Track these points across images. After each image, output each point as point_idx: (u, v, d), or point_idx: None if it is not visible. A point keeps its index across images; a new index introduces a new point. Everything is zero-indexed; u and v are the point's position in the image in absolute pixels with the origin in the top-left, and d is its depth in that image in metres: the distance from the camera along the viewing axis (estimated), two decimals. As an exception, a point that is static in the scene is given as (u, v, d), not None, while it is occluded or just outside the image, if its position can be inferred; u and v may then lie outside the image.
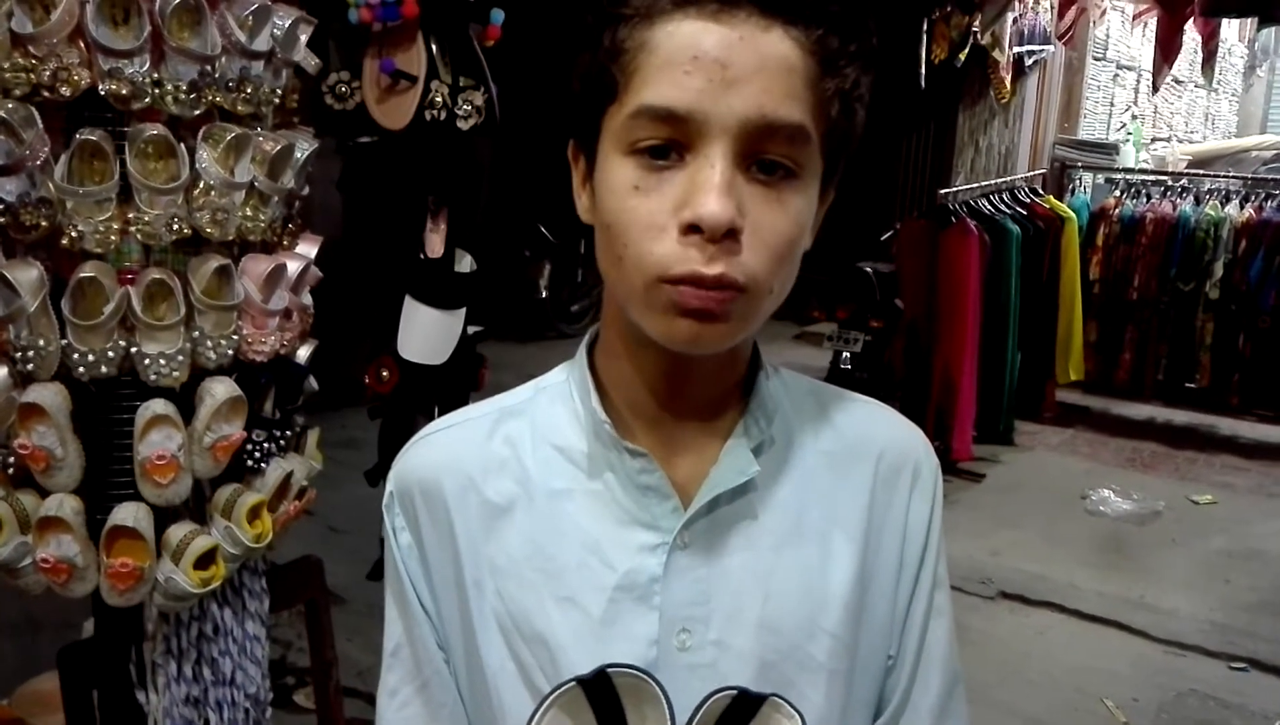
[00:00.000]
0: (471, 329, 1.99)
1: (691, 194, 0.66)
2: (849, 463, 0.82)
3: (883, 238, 4.80)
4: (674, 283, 0.67)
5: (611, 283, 0.74)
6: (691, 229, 0.66)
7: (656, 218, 0.67)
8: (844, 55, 0.69)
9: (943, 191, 4.65)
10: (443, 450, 0.83)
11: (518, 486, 0.80)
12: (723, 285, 0.67)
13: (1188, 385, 5.59)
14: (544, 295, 6.54)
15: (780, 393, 0.83)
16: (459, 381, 1.98)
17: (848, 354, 4.53)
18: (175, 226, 1.35)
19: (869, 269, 4.52)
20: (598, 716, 0.67)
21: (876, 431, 0.85)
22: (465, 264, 1.98)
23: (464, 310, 1.97)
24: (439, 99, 1.89)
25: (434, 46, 1.93)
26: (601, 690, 0.66)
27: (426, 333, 1.92)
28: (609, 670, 0.65)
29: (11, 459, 1.37)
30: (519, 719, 0.75)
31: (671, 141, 0.67)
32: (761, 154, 0.67)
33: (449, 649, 0.83)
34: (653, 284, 0.68)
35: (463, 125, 1.89)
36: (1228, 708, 3.06)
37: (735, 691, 0.70)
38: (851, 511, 0.81)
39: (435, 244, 1.92)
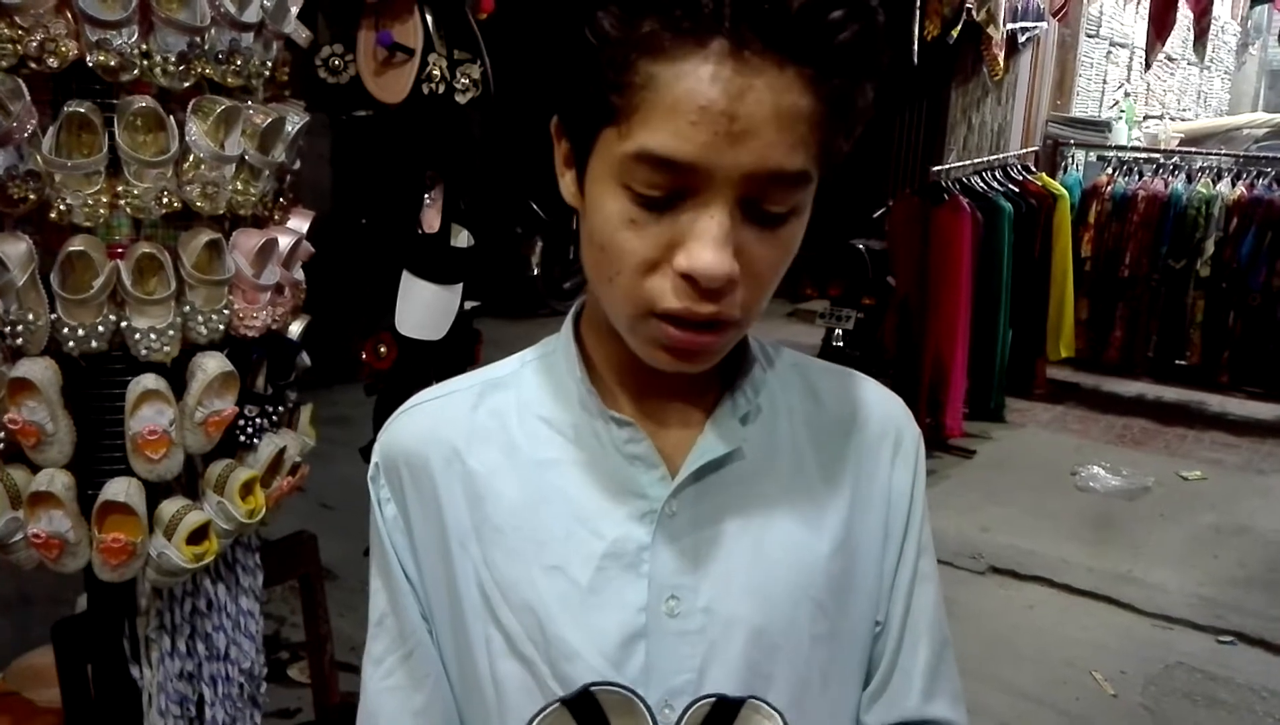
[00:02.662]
0: (468, 304, 1.99)
1: (689, 241, 0.65)
2: (833, 433, 0.83)
3: (875, 215, 4.79)
4: (664, 317, 0.67)
5: (599, 294, 0.74)
6: (687, 276, 0.65)
7: (650, 255, 0.66)
8: (855, 93, 0.66)
9: (935, 169, 4.64)
10: (428, 422, 0.83)
11: (504, 457, 0.80)
12: (716, 323, 0.68)
13: (1178, 362, 5.61)
14: (536, 273, 6.52)
15: (767, 365, 0.84)
16: (456, 357, 1.98)
17: (840, 331, 4.54)
18: (165, 200, 1.34)
19: (861, 246, 4.52)
20: None
21: (858, 402, 0.86)
22: (462, 239, 1.96)
23: (461, 285, 1.96)
24: (436, 72, 1.87)
25: (429, 19, 1.91)
26: (587, 709, 0.65)
27: (424, 308, 1.91)
28: (593, 689, 0.64)
29: (2, 434, 1.37)
30: (504, 689, 0.76)
31: (672, 190, 0.64)
32: (761, 202, 0.65)
33: (434, 620, 0.83)
34: (642, 315, 0.68)
35: (460, 99, 1.87)
36: (1214, 680, 3.10)
37: (714, 698, 0.70)
38: (836, 481, 0.82)
39: (432, 219, 1.91)
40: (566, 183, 0.74)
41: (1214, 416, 5.51)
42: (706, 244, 0.64)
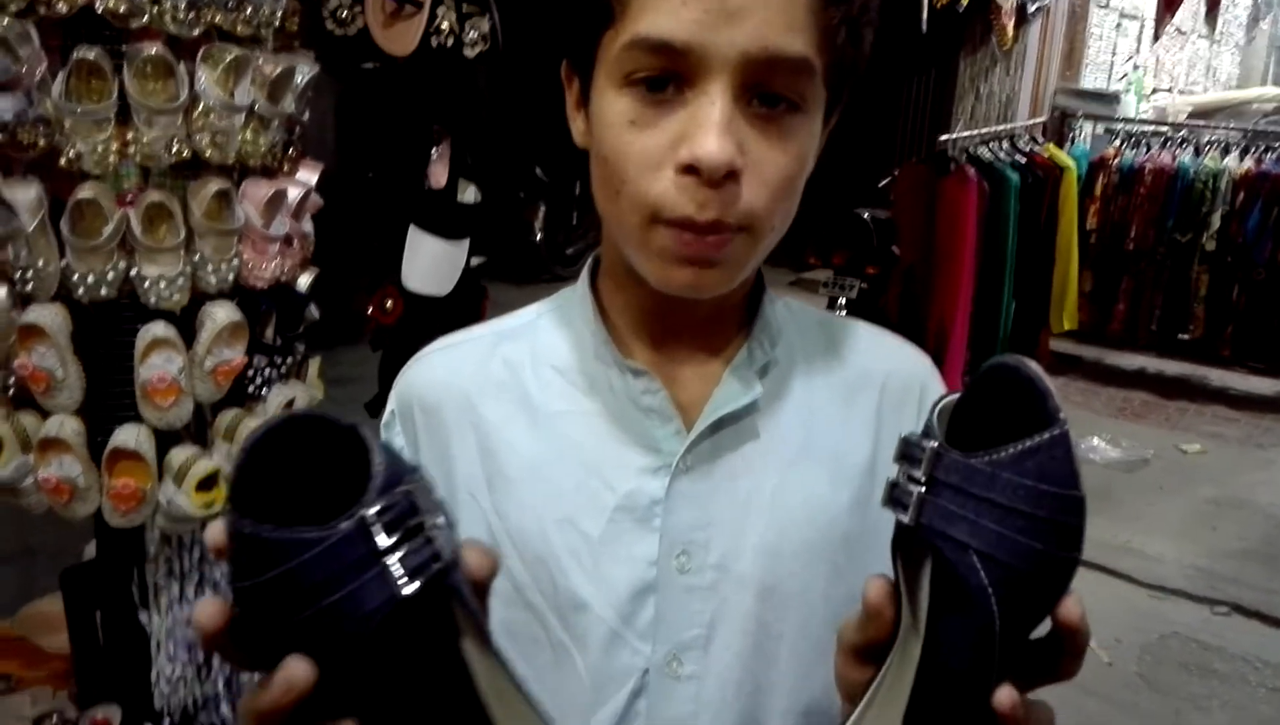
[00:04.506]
0: (475, 260, 1.98)
1: (690, 132, 0.63)
2: (854, 390, 0.81)
3: (880, 184, 4.77)
4: (669, 225, 0.66)
5: (607, 217, 0.73)
6: (689, 169, 0.63)
7: (653, 155, 0.65)
8: None
9: (942, 138, 4.61)
10: (442, 370, 0.83)
11: (517, 408, 0.79)
12: (718, 230, 0.66)
13: (1181, 336, 5.60)
14: (539, 238, 6.49)
15: (785, 318, 0.82)
16: (461, 314, 1.98)
17: (843, 301, 4.53)
18: (175, 148, 1.34)
19: (866, 215, 4.50)
20: None
21: (881, 358, 0.84)
22: (469, 194, 1.96)
23: (468, 241, 1.95)
24: (445, 25, 1.85)
25: (439, -29, 1.89)
26: None
27: (431, 263, 1.90)
28: None
29: (12, 380, 1.37)
30: (512, 638, 0.75)
31: (669, 73, 0.64)
32: (763, 87, 0.64)
33: None
34: (647, 225, 0.67)
35: (469, 52, 1.86)
36: (1209, 650, 3.12)
37: None
38: (856, 438, 0.80)
39: (439, 174, 1.90)
40: (578, 126, 0.74)
41: (1215, 391, 5.52)
42: (707, 130, 0.63)
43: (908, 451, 0.52)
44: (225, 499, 0.44)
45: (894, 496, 0.52)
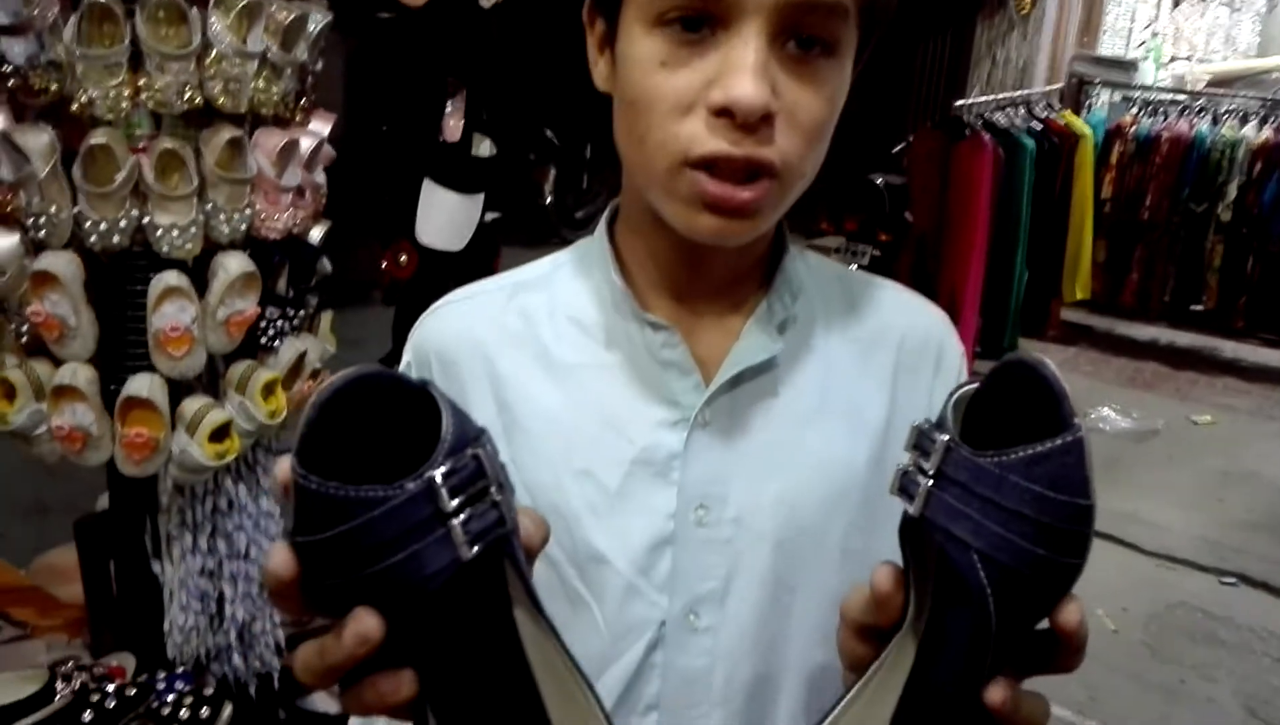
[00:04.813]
0: (489, 216, 1.96)
1: (723, 74, 0.62)
2: (872, 346, 0.81)
3: (894, 150, 4.73)
4: (698, 167, 0.64)
5: (631, 164, 0.72)
6: (722, 112, 0.62)
7: (684, 96, 0.64)
8: None
9: (958, 103, 4.57)
10: (459, 321, 0.82)
11: (534, 360, 0.78)
12: (751, 171, 0.64)
13: (1193, 307, 5.58)
14: (549, 200, 6.46)
15: (805, 273, 0.81)
16: (475, 269, 1.97)
17: (855, 267, 4.51)
18: (187, 95, 1.33)
19: (880, 181, 4.46)
20: None
21: (899, 315, 0.83)
22: (484, 148, 1.93)
23: (482, 195, 1.93)
24: (461, -26, 1.82)
25: (456, -81, 1.86)
26: None
27: (445, 217, 1.88)
28: None
29: (25, 327, 1.37)
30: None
31: (703, 14, 0.62)
32: (798, 30, 0.63)
33: None
34: (676, 168, 0.65)
35: (484, 2, 1.83)
36: (1215, 619, 3.13)
37: None
38: (872, 395, 0.79)
39: (454, 127, 1.88)
40: (600, 70, 0.72)
41: (1227, 362, 5.50)
42: (742, 72, 0.61)
43: (920, 442, 0.51)
44: (294, 453, 0.43)
45: (903, 485, 0.52)
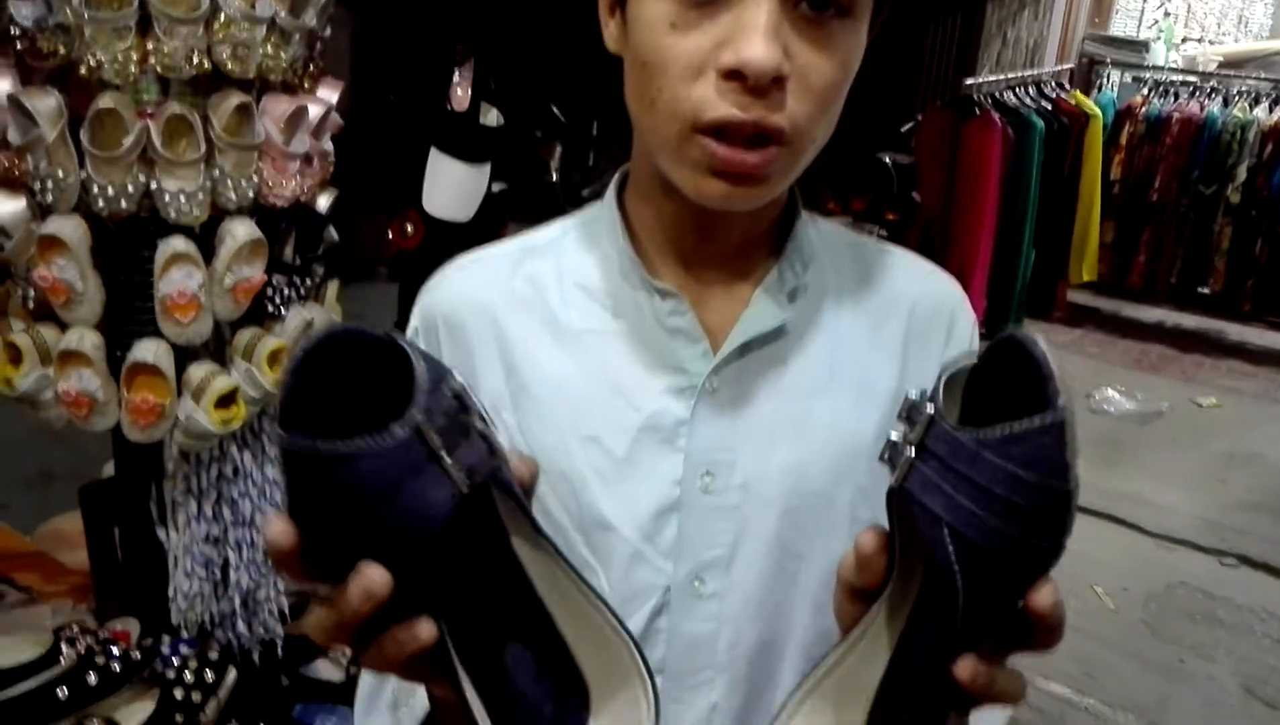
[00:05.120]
0: (496, 186, 1.95)
1: (735, 35, 0.61)
2: (883, 315, 0.80)
3: (903, 129, 4.70)
4: (707, 132, 0.63)
5: (641, 127, 0.71)
6: (733, 75, 0.61)
7: (694, 58, 0.63)
8: None
9: (968, 82, 4.54)
10: (466, 285, 0.81)
11: (541, 325, 0.78)
12: (761, 137, 0.63)
13: (1200, 290, 5.56)
14: (554, 178, 6.42)
15: (817, 241, 0.81)
16: (482, 240, 1.95)
17: (863, 242, 4.49)
18: (195, 60, 1.32)
19: (888, 160, 4.44)
20: None
21: (912, 284, 0.82)
22: (491, 118, 1.92)
23: (489, 165, 1.92)
24: (468, -62, 1.81)
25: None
26: None
27: (453, 187, 1.87)
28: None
29: (32, 292, 1.37)
30: None
31: None
32: None
33: None
34: (685, 133, 0.64)
35: (493, -32, 1.81)
36: (1214, 600, 3.14)
37: None
38: (882, 365, 0.79)
39: (461, 96, 1.86)
40: (610, 31, 0.72)
41: (1233, 345, 5.49)
42: (753, 33, 0.60)
43: (909, 412, 0.51)
44: (276, 421, 0.44)
45: (889, 454, 0.51)
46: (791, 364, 0.77)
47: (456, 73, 1.89)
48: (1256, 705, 2.68)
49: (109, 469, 1.69)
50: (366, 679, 0.82)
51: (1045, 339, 0.48)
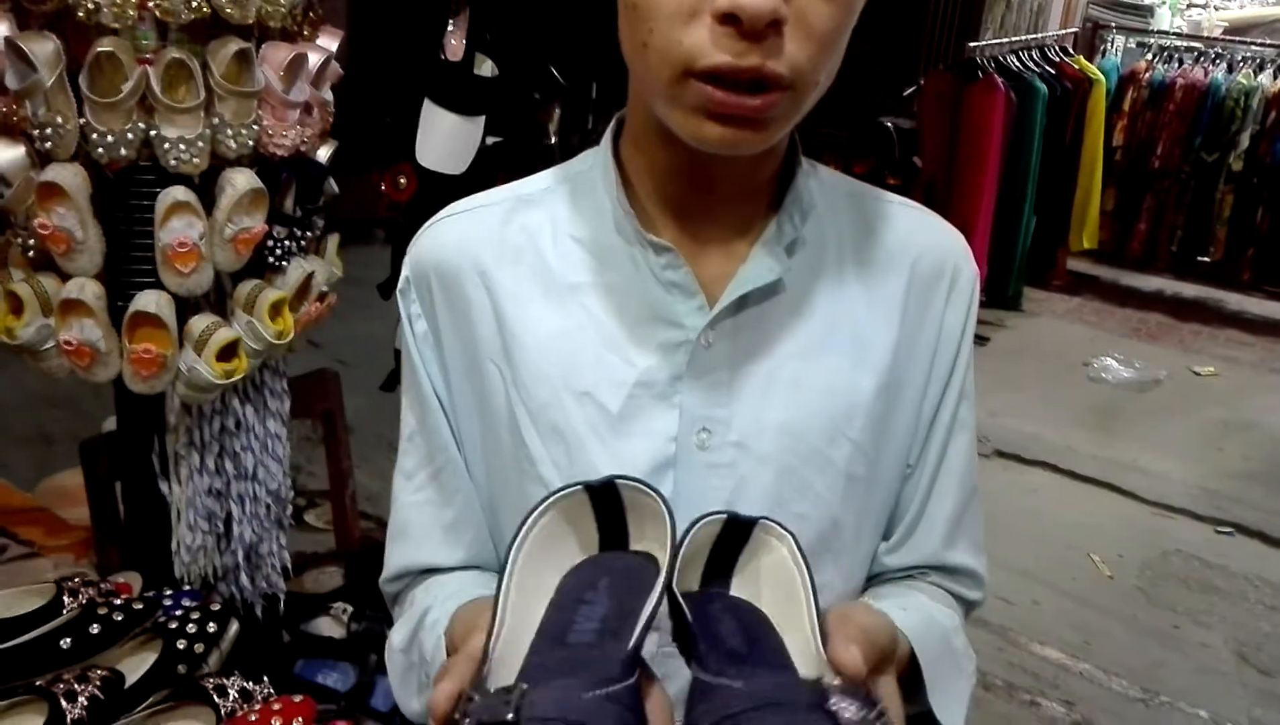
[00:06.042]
0: (490, 140, 1.92)
1: None
2: (883, 269, 0.79)
3: (905, 93, 4.67)
4: (703, 78, 0.62)
5: (634, 72, 0.70)
6: (728, 18, 0.59)
7: (686, 1, 0.61)
8: None
9: (971, 45, 4.50)
10: (458, 234, 0.80)
11: (534, 277, 0.77)
12: (760, 83, 0.61)
13: (1200, 258, 5.56)
14: (553, 141, 6.37)
15: (817, 191, 0.80)
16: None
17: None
18: (194, 3, 1.29)
19: (890, 124, 4.41)
20: (599, 525, 0.62)
21: (914, 237, 0.81)
22: (486, 69, 1.89)
23: (484, 117, 1.89)
24: (463, -120, 1.76)
25: None
26: (607, 499, 0.61)
27: (446, 139, 1.84)
28: (619, 482, 0.60)
29: (32, 242, 1.35)
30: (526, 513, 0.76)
31: None
32: None
33: (463, 440, 0.82)
34: (679, 78, 0.63)
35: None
36: (1210, 567, 3.16)
37: (725, 516, 0.64)
38: (883, 319, 0.78)
39: (455, 46, 1.82)
40: None
41: (1231, 314, 5.49)
42: None
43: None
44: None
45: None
46: (788, 320, 0.76)
47: (450, 22, 1.85)
48: (1249, 671, 2.71)
49: (109, 424, 1.68)
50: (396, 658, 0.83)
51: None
